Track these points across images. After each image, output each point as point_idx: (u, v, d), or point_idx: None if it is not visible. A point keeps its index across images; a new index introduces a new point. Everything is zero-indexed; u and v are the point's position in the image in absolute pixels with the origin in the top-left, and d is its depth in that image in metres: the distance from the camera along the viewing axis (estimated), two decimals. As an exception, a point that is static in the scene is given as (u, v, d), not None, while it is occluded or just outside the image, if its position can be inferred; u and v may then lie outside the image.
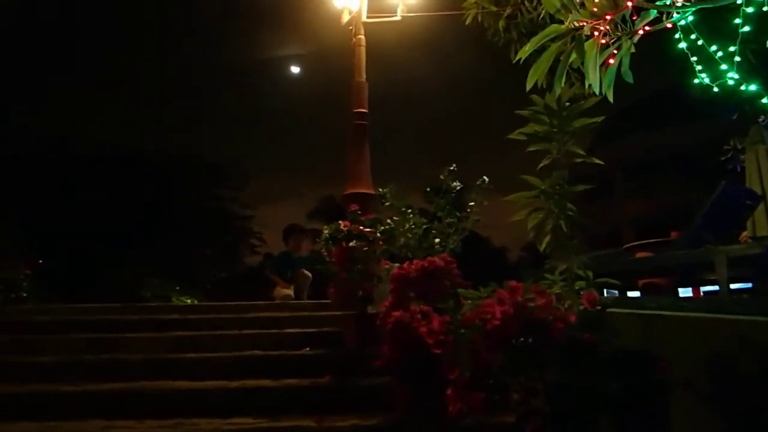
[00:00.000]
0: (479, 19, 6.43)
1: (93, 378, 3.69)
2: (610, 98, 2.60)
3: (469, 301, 2.91)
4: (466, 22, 6.52)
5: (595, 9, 2.69)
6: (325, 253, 4.51)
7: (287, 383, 3.47)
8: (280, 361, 3.82)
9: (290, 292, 7.21)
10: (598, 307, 2.36)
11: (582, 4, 2.73)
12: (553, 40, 2.77)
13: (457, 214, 4.11)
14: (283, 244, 7.79)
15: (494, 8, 6.26)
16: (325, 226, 4.51)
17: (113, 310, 5.41)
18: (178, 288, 22.54)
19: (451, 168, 4.16)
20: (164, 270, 22.42)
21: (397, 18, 6.92)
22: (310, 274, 7.35)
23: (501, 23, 6.18)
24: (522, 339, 2.14)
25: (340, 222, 4.35)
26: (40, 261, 21.12)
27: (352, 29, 6.84)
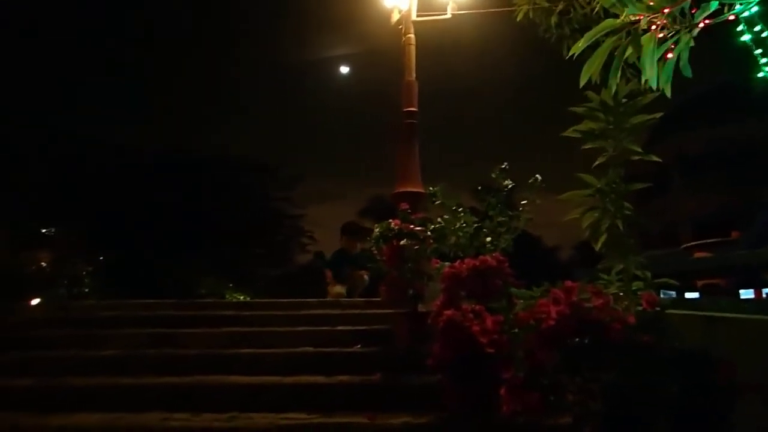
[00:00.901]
0: (530, 16, 6.34)
1: (152, 371, 3.81)
2: (668, 94, 2.53)
3: (522, 301, 2.89)
4: (518, 19, 6.44)
5: (652, 2, 2.62)
6: (376, 252, 4.53)
7: (339, 380, 3.50)
8: (333, 358, 3.86)
9: (343, 290, 7.23)
10: (657, 308, 2.30)
11: (639, -2, 2.67)
12: (607, 35, 2.71)
13: (509, 212, 4.06)
14: (335, 241, 7.80)
15: (546, 4, 6.15)
16: (376, 225, 4.54)
17: (171, 306, 5.56)
18: (231, 285, 23.02)
19: (503, 166, 4.12)
20: (218, 268, 22.95)
21: (447, 16, 6.88)
22: (366, 277, 7.30)
23: (553, 19, 6.08)
24: (578, 339, 2.11)
25: (390, 221, 4.37)
26: (101, 258, 21.92)
27: (401, 28, 6.85)
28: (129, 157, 22.97)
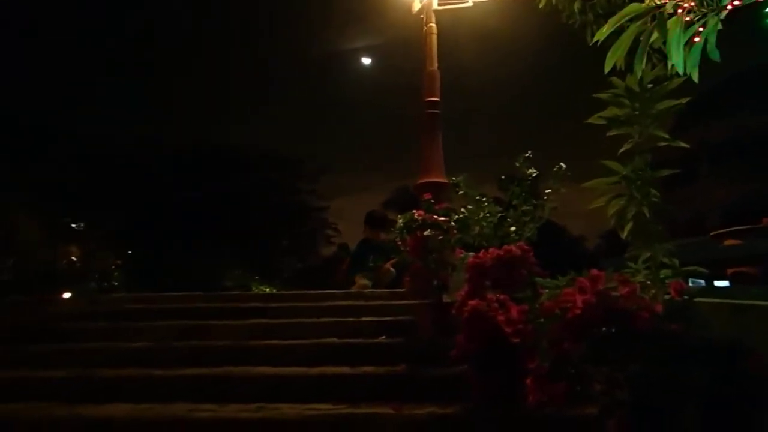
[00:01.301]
0: (553, 2, 6.26)
1: (180, 363, 3.86)
2: (695, 79, 2.48)
3: (547, 291, 2.87)
4: (540, 6, 6.36)
5: (678, -15, 2.58)
6: (400, 243, 4.53)
7: (365, 371, 3.52)
8: (358, 349, 3.87)
9: (369, 283, 7.23)
10: (686, 297, 2.27)
11: (663, -19, 2.61)
12: (632, 19, 2.67)
13: (533, 201, 4.03)
14: (359, 233, 7.78)
15: (569, -11, 6.08)
16: (399, 216, 4.54)
17: (198, 298, 5.64)
18: (257, 278, 23.25)
19: (526, 155, 4.08)
20: (244, 261, 23.19)
21: (469, 4, 6.83)
22: (393, 271, 7.26)
23: (576, 5, 5.99)
24: (604, 328, 2.09)
25: (414, 211, 4.37)
26: (129, 252, 22.29)
27: (423, 18, 6.82)
28: (156, 153, 23.28)
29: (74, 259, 21.03)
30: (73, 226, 21.64)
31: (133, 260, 22.39)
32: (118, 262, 21.80)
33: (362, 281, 7.19)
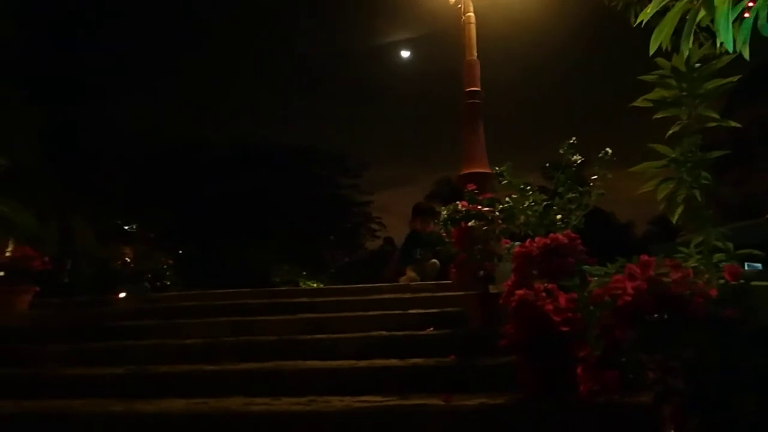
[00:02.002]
0: (595, -16, 6.13)
1: (232, 358, 3.95)
2: (746, 56, 2.40)
3: (596, 278, 2.82)
4: (581, -12, 6.23)
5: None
6: (444, 234, 4.52)
7: (413, 362, 3.53)
8: (406, 342, 3.89)
9: (416, 275, 7.26)
10: (741, 281, 2.20)
11: (710, -43, 2.53)
12: (676, -2, 2.60)
13: (579, 188, 3.96)
14: (403, 226, 7.84)
15: (611, -30, 5.94)
16: (443, 207, 4.53)
17: (248, 294, 5.75)
18: (304, 273, 23.51)
19: (571, 141, 4.01)
20: (291, 256, 23.47)
21: (508, -9, 6.74)
22: (438, 263, 7.29)
23: (619, -15, 5.86)
24: (656, 315, 2.05)
25: (457, 202, 4.35)
26: (180, 252, 22.82)
27: (460, 7, 6.75)
28: (200, 150, 23.72)
29: (128, 260, 21.66)
30: (126, 228, 22.26)
31: (184, 259, 22.91)
32: (170, 261, 22.34)
33: (411, 274, 7.24)
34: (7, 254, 6.54)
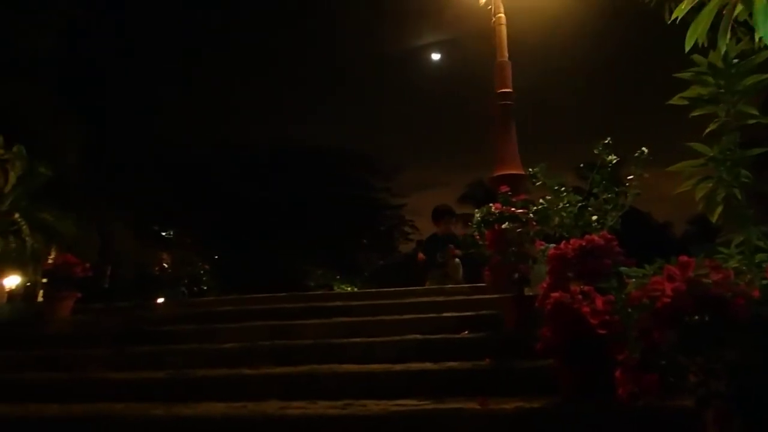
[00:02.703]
0: (627, -19, 6.05)
1: (269, 362, 3.99)
2: (786, 50, 2.35)
3: (633, 280, 2.78)
4: (613, -14, 6.16)
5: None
6: (478, 237, 4.51)
7: (449, 366, 3.52)
8: (441, 345, 3.88)
9: (436, 285, 7.25)
10: (785, 281, 2.14)
11: (747, -51, 2.49)
12: (714, -7, 2.55)
13: (615, 189, 3.91)
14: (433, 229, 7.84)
15: (643, -33, 5.86)
16: (477, 210, 4.51)
17: (283, 299, 5.82)
18: (338, 277, 23.62)
19: (606, 141, 3.96)
20: (325, 260, 23.59)
21: (538, -9, 6.70)
22: (459, 262, 7.27)
23: (652, -19, 5.78)
24: (697, 317, 2.01)
25: (491, 204, 4.33)
26: (216, 257, 23.14)
27: (491, 9, 6.73)
28: (233, 155, 23.98)
29: (165, 265, 22.04)
30: (163, 234, 22.65)
31: (220, 264, 23.22)
32: (206, 266, 22.66)
33: (431, 286, 7.25)
34: (50, 261, 6.71)
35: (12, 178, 6.72)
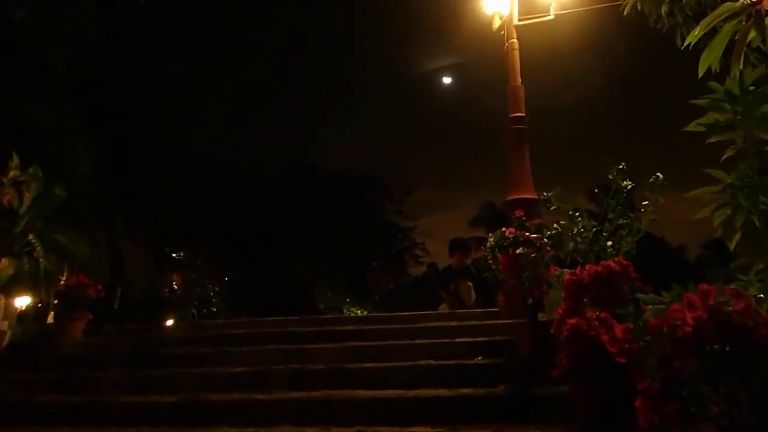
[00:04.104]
0: (639, 7, 6.09)
1: (281, 387, 3.98)
2: (802, 76, 2.35)
3: (650, 307, 2.75)
4: (625, 12, 6.21)
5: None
6: (491, 261, 4.49)
7: (463, 392, 3.49)
8: (454, 371, 3.85)
9: (447, 308, 7.29)
10: (807, 310, 2.11)
11: (759, -23, 2.50)
12: (726, 19, 2.57)
13: (630, 214, 3.89)
14: (446, 252, 7.91)
15: (655, -7, 5.90)
16: (490, 234, 4.50)
17: (295, 322, 5.79)
18: (348, 300, 23.53)
19: (620, 166, 3.95)
20: (335, 282, 23.51)
21: (550, 17, 6.74)
22: (470, 284, 7.33)
23: (664, 8, 5.81)
24: (718, 346, 1.98)
25: (504, 229, 4.32)
26: (226, 278, 23.14)
27: (503, 34, 6.78)
28: (243, 176, 24.09)
29: (175, 287, 22.07)
30: (174, 255, 22.69)
31: (230, 286, 23.22)
32: (216, 288, 22.67)
33: (444, 308, 7.30)
34: (61, 282, 6.72)
35: (27, 199, 6.76)
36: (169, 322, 12.14)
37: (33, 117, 11.90)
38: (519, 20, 6.74)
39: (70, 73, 12.21)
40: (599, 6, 6.69)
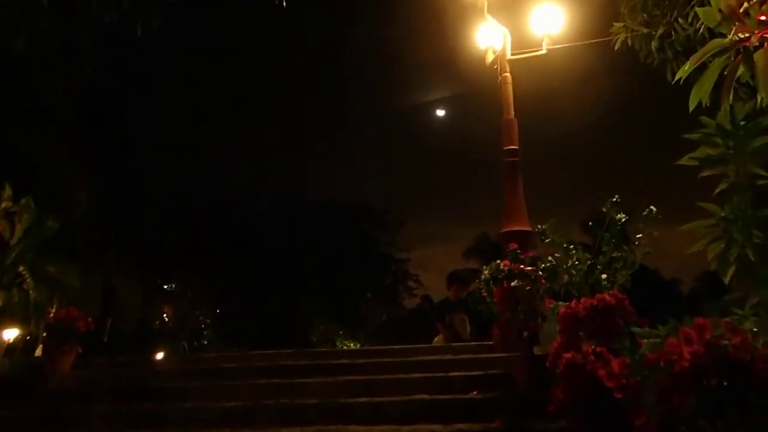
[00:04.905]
0: (629, 43, 6.20)
1: (274, 422, 3.91)
2: (789, 110, 2.38)
3: (646, 340, 2.73)
4: (615, 48, 6.31)
5: (763, 17, 2.50)
6: (486, 294, 4.48)
7: (458, 428, 3.45)
8: (449, 405, 3.81)
9: (442, 342, 7.26)
10: (803, 345, 2.10)
11: (746, 14, 2.55)
12: (715, 55, 2.60)
13: (624, 247, 3.90)
14: (441, 283, 7.94)
15: (645, 30, 6.00)
16: (485, 266, 4.50)
17: (287, 356, 5.72)
18: (341, 332, 23.33)
19: (614, 199, 3.97)
20: (328, 314, 23.33)
21: (543, 52, 6.84)
22: (465, 317, 7.32)
23: (654, 44, 5.91)
24: (716, 381, 1.96)
25: (499, 261, 4.31)
26: (218, 311, 22.95)
27: (497, 68, 6.87)
28: (234, 207, 24.06)
29: (166, 318, 21.87)
30: (165, 287, 22.53)
31: (222, 318, 23.02)
32: (208, 320, 22.47)
33: (439, 341, 7.27)
34: (51, 315, 6.63)
35: (19, 230, 6.72)
36: (160, 355, 11.97)
37: (27, 147, 11.93)
38: (512, 54, 6.83)
39: (67, 104, 12.27)
40: (590, 41, 6.80)
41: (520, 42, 6.99)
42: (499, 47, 6.90)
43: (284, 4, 4.77)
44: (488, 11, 6.88)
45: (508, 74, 6.70)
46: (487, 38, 7.11)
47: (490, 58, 7.01)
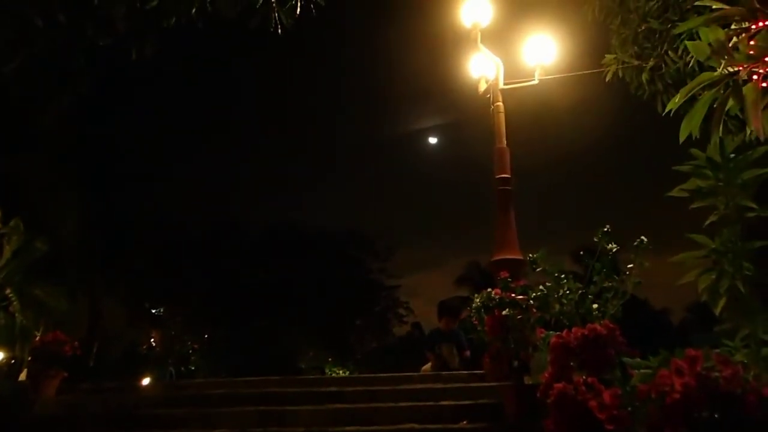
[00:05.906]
0: (620, 75, 6.28)
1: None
2: (779, 144, 2.41)
3: (637, 371, 2.72)
4: (606, 79, 6.39)
5: (752, 51, 2.54)
6: (477, 322, 4.45)
7: (448, 459, 3.40)
8: (439, 435, 3.76)
9: (429, 369, 7.21)
10: (794, 377, 2.10)
11: (736, 48, 2.59)
12: (705, 88, 2.64)
13: (615, 277, 3.90)
14: (431, 311, 7.88)
15: (635, 62, 6.09)
16: (476, 295, 4.48)
17: (275, 383, 5.64)
18: (330, 359, 23.14)
19: (605, 229, 3.98)
20: (317, 341, 23.18)
21: (535, 82, 6.92)
22: (454, 349, 7.26)
23: (644, 76, 6.00)
24: (707, 413, 1.95)
25: (490, 290, 4.30)
26: (206, 336, 22.75)
27: (489, 97, 6.93)
28: (223, 235, 24.02)
29: (154, 343, 21.64)
30: (153, 311, 22.34)
31: (210, 343, 22.80)
32: (196, 345, 22.25)
33: (427, 368, 7.22)
34: (37, 338, 6.53)
35: (7, 252, 6.66)
36: (146, 381, 11.82)
37: (18, 169, 11.89)
38: (504, 84, 6.90)
39: (58, 127, 12.29)
40: (582, 72, 6.89)
41: (512, 72, 7.07)
42: (492, 77, 6.97)
43: (279, 31, 4.79)
44: (481, 41, 6.96)
45: (500, 103, 6.76)
46: (480, 68, 7.19)
47: (482, 87, 7.08)
